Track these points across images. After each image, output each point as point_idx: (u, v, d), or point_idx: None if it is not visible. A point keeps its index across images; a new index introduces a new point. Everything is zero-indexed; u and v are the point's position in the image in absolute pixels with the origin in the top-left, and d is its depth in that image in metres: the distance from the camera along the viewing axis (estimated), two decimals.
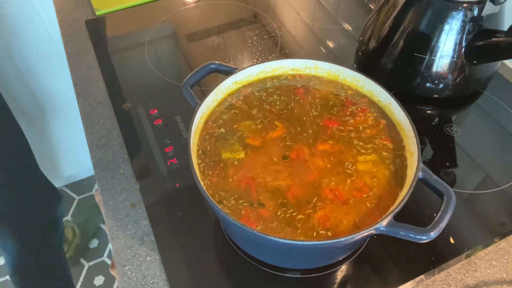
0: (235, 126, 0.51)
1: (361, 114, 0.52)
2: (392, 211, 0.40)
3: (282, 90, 0.55)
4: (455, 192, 0.43)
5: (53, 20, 1.10)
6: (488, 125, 0.66)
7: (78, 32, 0.82)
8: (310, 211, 0.43)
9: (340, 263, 0.50)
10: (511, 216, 0.54)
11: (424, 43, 0.61)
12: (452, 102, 0.67)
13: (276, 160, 0.47)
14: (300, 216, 0.43)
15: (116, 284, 1.38)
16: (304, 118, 0.52)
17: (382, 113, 0.52)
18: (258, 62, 0.63)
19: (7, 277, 1.38)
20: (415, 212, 0.53)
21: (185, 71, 0.74)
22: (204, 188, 0.42)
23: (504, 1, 0.58)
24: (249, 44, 0.78)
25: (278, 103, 0.54)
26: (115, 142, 0.63)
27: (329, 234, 0.41)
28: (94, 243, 1.48)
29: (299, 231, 0.42)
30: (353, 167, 0.47)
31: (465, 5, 0.58)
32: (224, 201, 0.44)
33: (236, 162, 0.47)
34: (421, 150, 0.53)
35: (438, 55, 0.61)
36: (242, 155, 0.48)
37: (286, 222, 0.42)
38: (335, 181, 0.45)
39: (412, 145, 0.46)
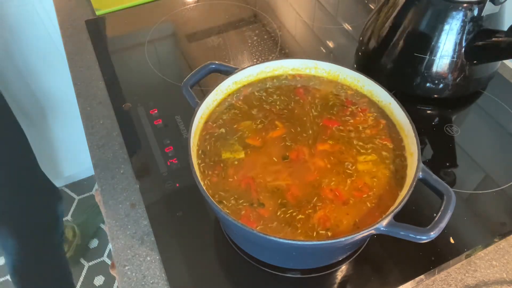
0: (235, 126, 0.51)
1: (361, 114, 0.52)
2: (392, 211, 0.40)
3: (282, 90, 0.55)
4: (455, 192, 0.43)
5: (53, 20, 1.10)
6: (488, 125, 0.66)
7: (78, 32, 0.82)
8: (310, 211, 0.43)
9: (340, 263, 0.50)
10: (511, 216, 0.54)
11: (424, 43, 0.61)
12: (452, 102, 0.67)
13: (276, 160, 0.47)
14: (300, 216, 0.43)
15: (116, 284, 1.38)
16: (304, 118, 0.52)
17: (382, 113, 0.52)
18: (258, 62, 0.63)
19: (7, 277, 1.38)
20: (415, 212, 0.53)
21: (185, 71, 0.74)
22: (204, 188, 0.42)
23: (504, 1, 0.58)
24: (249, 44, 0.78)
25: (278, 103, 0.54)
26: (115, 142, 0.63)
27: (329, 234, 0.41)
28: (94, 243, 1.48)
29: (299, 231, 0.42)
30: (353, 167, 0.47)
31: (465, 5, 0.58)
32: (224, 201, 0.44)
33: (236, 162, 0.47)
34: (421, 150, 0.53)
35: (438, 55, 0.61)
36: (242, 155, 0.48)
37: (286, 222, 0.42)
38: (335, 181, 0.45)
39: (412, 145, 0.46)
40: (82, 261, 1.43)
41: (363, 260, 0.50)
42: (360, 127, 0.51)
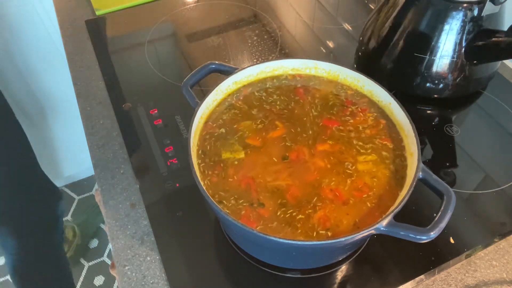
0: (235, 126, 0.51)
1: (361, 114, 0.52)
2: (392, 211, 0.40)
3: (282, 90, 0.55)
4: (455, 192, 0.43)
5: (53, 20, 1.10)
6: (488, 125, 0.66)
7: (78, 32, 0.82)
8: (310, 211, 0.43)
9: (340, 263, 0.50)
10: (511, 216, 0.54)
11: (424, 43, 0.61)
12: (452, 102, 0.67)
13: (276, 160, 0.48)
14: (300, 216, 0.43)
15: (116, 284, 1.38)
16: (304, 119, 0.52)
17: (382, 113, 0.52)
18: (258, 62, 0.63)
19: (7, 277, 1.38)
20: (415, 212, 0.53)
21: (185, 71, 0.74)
22: (204, 188, 0.42)
23: (504, 1, 0.58)
24: (249, 44, 0.78)
25: (278, 103, 0.54)
26: (115, 142, 0.63)
27: (329, 234, 0.41)
28: (94, 243, 1.48)
29: (299, 231, 0.42)
30: (353, 167, 0.47)
31: (465, 5, 0.58)
32: (224, 201, 0.44)
33: (236, 162, 0.47)
34: (421, 150, 0.53)
35: (438, 55, 0.61)
36: (242, 155, 0.48)
37: (286, 222, 0.42)
38: (335, 181, 0.45)
39: (412, 145, 0.46)
40: (82, 261, 1.43)
41: (363, 260, 0.50)
42: (360, 127, 0.51)
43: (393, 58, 0.65)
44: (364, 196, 0.44)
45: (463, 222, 0.53)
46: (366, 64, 0.72)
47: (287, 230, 0.42)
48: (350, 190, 0.45)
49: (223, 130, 0.50)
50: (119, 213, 0.55)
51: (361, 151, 0.48)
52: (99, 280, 1.40)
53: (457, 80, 0.63)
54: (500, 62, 0.71)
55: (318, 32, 0.82)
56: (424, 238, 0.38)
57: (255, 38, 0.80)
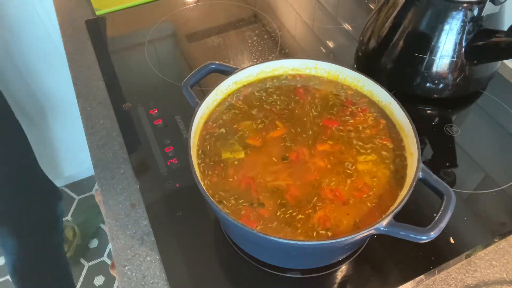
0: (235, 126, 0.51)
1: (361, 114, 0.52)
2: (392, 211, 0.40)
3: (282, 90, 0.55)
4: (455, 192, 0.43)
5: (53, 20, 1.10)
6: (488, 125, 0.66)
7: (78, 32, 0.82)
8: (310, 211, 0.43)
9: (340, 263, 0.50)
10: (511, 216, 0.54)
11: (424, 43, 0.61)
12: (452, 102, 0.67)
13: (276, 160, 0.48)
14: (300, 216, 0.43)
15: (116, 284, 1.38)
16: (305, 119, 0.52)
17: (382, 113, 0.52)
18: (258, 62, 0.63)
19: (7, 277, 1.38)
20: (415, 212, 0.53)
21: (185, 71, 0.74)
22: (204, 188, 0.42)
23: (504, 1, 0.58)
24: (249, 44, 0.78)
25: (278, 103, 0.54)
26: (115, 142, 0.63)
27: (329, 234, 0.41)
28: (94, 243, 1.48)
29: (299, 231, 0.42)
30: (353, 167, 0.47)
31: (465, 5, 0.58)
32: (224, 201, 0.44)
33: (236, 162, 0.47)
34: (421, 150, 0.53)
35: (438, 55, 0.61)
36: (242, 155, 0.48)
37: (286, 222, 0.42)
38: (335, 181, 0.45)
39: (412, 145, 0.46)
40: (82, 261, 1.43)
41: (363, 260, 0.50)
42: (360, 127, 0.51)
43: (393, 58, 0.65)
44: (364, 196, 0.44)
45: (463, 222, 0.53)
46: (366, 64, 0.72)
47: (287, 230, 0.42)
48: (350, 190, 0.45)
49: (223, 130, 0.50)
50: (119, 213, 0.55)
51: (361, 151, 0.48)
52: (99, 280, 1.40)
53: (457, 80, 0.63)
54: (500, 62, 0.71)
55: (318, 32, 0.82)
56: (424, 238, 0.38)
57: (255, 38, 0.80)
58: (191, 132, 0.46)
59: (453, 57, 0.61)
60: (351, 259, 0.50)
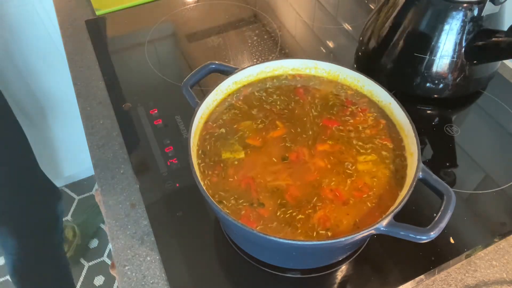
0: (235, 126, 0.51)
1: (361, 114, 0.52)
2: (392, 211, 0.39)
3: (282, 90, 0.55)
4: (455, 192, 0.43)
5: (53, 20, 1.10)
6: (488, 125, 0.66)
7: (78, 32, 0.82)
8: (310, 211, 0.43)
9: (340, 263, 0.50)
10: (511, 216, 0.54)
11: (424, 43, 0.61)
12: (452, 102, 0.67)
13: (276, 160, 0.48)
14: (300, 216, 0.43)
15: (116, 284, 1.38)
16: (305, 119, 0.52)
17: (382, 113, 0.52)
18: (258, 62, 0.63)
19: (7, 277, 1.38)
20: (415, 212, 0.53)
21: (185, 71, 0.74)
22: (204, 188, 0.42)
23: (504, 1, 0.58)
24: (249, 44, 0.78)
25: (278, 103, 0.54)
26: (115, 142, 0.63)
27: (329, 234, 0.41)
28: (94, 243, 1.48)
29: (299, 231, 0.42)
30: (353, 167, 0.47)
31: (465, 5, 0.58)
32: (224, 201, 0.44)
33: (236, 162, 0.47)
34: (421, 150, 0.53)
35: (438, 55, 0.61)
36: (242, 155, 0.48)
37: (286, 222, 0.42)
38: (335, 181, 0.45)
39: (412, 145, 0.46)
40: (82, 261, 1.43)
41: (363, 260, 0.50)
42: (360, 127, 0.51)
43: (393, 58, 0.65)
44: (364, 196, 0.44)
45: (463, 222, 0.53)
46: (366, 64, 0.72)
47: (287, 230, 0.42)
48: (350, 190, 0.45)
49: (223, 130, 0.50)
50: (119, 213, 0.55)
51: (361, 151, 0.48)
52: (99, 280, 1.40)
53: (457, 80, 0.63)
54: (500, 62, 0.71)
55: (318, 32, 0.82)
56: (424, 238, 0.38)
57: (255, 38, 0.80)
58: (191, 132, 0.46)
59: (453, 57, 0.61)
60: (351, 259, 0.50)
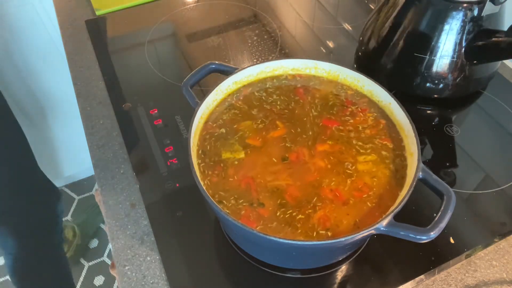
0: (235, 126, 0.51)
1: (361, 114, 0.52)
2: (392, 211, 0.39)
3: (282, 90, 0.55)
4: (455, 192, 0.43)
5: (53, 20, 1.10)
6: (488, 125, 0.66)
7: (78, 32, 0.82)
8: (310, 211, 0.43)
9: (340, 263, 0.50)
10: (511, 216, 0.54)
11: (424, 43, 0.61)
12: (452, 102, 0.67)
13: (276, 160, 0.47)
14: (300, 216, 0.43)
15: (116, 284, 1.38)
16: (305, 119, 0.52)
17: (382, 113, 0.52)
18: (258, 62, 0.63)
19: (7, 277, 1.38)
20: (415, 212, 0.53)
21: (185, 71, 0.74)
22: (204, 188, 0.42)
23: (504, 1, 0.58)
24: (249, 44, 0.78)
25: (278, 103, 0.54)
26: (115, 142, 0.63)
27: (329, 234, 0.41)
28: (94, 243, 1.48)
29: (299, 231, 0.42)
30: (353, 167, 0.47)
31: (465, 5, 0.58)
32: (224, 201, 0.44)
33: (236, 162, 0.47)
34: (421, 150, 0.53)
35: (438, 55, 0.61)
36: (242, 155, 0.48)
37: (286, 222, 0.42)
38: (335, 181, 0.45)
39: (412, 145, 0.46)
40: (82, 261, 1.43)
41: (363, 260, 0.50)
42: (360, 127, 0.51)
43: (393, 58, 0.65)
44: (364, 196, 0.44)
45: (463, 222, 0.53)
46: (366, 64, 0.72)
47: (287, 230, 0.42)
48: (350, 190, 0.45)
49: (223, 130, 0.50)
50: (119, 213, 0.55)
51: (361, 151, 0.48)
52: (99, 280, 1.40)
53: (457, 80, 0.63)
54: (500, 62, 0.71)
55: (318, 32, 0.82)
56: (424, 238, 0.38)
57: (255, 38, 0.80)
58: (191, 132, 0.46)
59: (453, 57, 0.61)
60: (351, 259, 0.50)
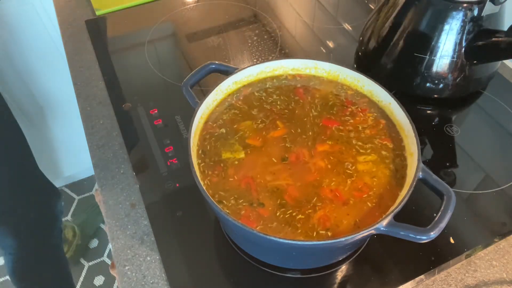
0: (235, 126, 0.51)
1: (361, 114, 0.52)
2: (392, 211, 0.39)
3: (282, 90, 0.55)
4: (455, 192, 0.43)
5: (53, 20, 1.10)
6: (488, 125, 0.66)
7: (78, 32, 0.82)
8: (310, 211, 0.43)
9: (340, 263, 0.50)
10: (511, 216, 0.54)
11: (424, 43, 0.61)
12: (452, 102, 0.67)
13: (275, 160, 0.47)
14: (300, 216, 0.43)
15: (116, 284, 1.38)
16: (305, 119, 0.52)
17: (382, 113, 0.52)
18: (258, 62, 0.63)
19: (7, 277, 1.38)
20: (415, 212, 0.53)
21: (185, 71, 0.74)
22: (204, 188, 0.42)
23: (504, 1, 0.58)
24: (249, 44, 0.78)
25: (278, 103, 0.54)
26: (115, 142, 0.63)
27: (329, 234, 0.41)
28: (94, 243, 1.48)
29: (299, 231, 0.42)
30: (353, 167, 0.47)
31: (465, 5, 0.58)
32: (224, 201, 0.44)
33: (236, 162, 0.47)
34: (421, 150, 0.53)
35: (438, 55, 0.61)
36: (242, 155, 0.48)
37: (286, 222, 0.42)
38: (335, 182, 0.45)
39: (412, 145, 0.46)
40: (82, 261, 1.43)
41: (363, 260, 0.50)
42: (360, 127, 0.51)
43: (393, 58, 0.65)
44: (364, 196, 0.44)
45: (463, 222, 0.53)
46: (366, 64, 0.72)
47: (287, 230, 0.42)
48: (350, 190, 0.45)
49: (223, 130, 0.50)
50: (119, 213, 0.55)
51: (361, 151, 0.48)
52: (99, 280, 1.40)
53: (457, 80, 0.63)
54: (500, 62, 0.71)
55: (318, 32, 0.82)
56: (424, 238, 0.38)
57: (255, 38, 0.80)
58: (191, 132, 0.46)
59: (453, 57, 0.61)
60: (351, 259, 0.50)
